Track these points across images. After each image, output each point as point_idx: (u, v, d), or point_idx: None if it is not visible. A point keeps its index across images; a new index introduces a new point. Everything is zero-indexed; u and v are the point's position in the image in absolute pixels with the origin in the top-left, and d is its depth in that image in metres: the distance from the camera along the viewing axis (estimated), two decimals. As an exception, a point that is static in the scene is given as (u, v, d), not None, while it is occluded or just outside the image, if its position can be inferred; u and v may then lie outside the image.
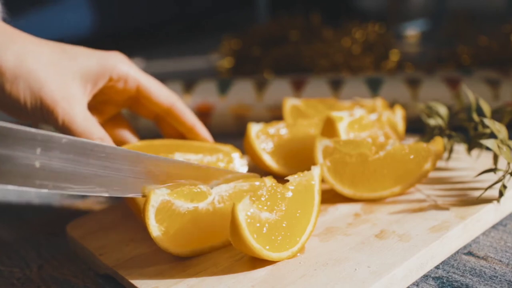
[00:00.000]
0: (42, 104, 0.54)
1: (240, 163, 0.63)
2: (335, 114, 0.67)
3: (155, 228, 0.49)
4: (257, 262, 0.49)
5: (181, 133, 0.67)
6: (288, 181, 0.53)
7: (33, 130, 0.42)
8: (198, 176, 0.55)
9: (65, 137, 0.45)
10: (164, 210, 0.50)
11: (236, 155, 0.64)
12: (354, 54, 1.26)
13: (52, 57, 0.56)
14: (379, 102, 0.76)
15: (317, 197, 0.53)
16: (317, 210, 0.53)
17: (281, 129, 0.69)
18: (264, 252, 0.48)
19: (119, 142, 0.66)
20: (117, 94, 0.63)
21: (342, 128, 0.66)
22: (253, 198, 0.49)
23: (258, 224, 0.48)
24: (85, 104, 0.57)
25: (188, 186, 0.52)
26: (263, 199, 0.49)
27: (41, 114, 0.55)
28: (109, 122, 0.67)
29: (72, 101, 0.55)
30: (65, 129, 0.54)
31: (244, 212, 0.47)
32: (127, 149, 0.50)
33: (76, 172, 0.46)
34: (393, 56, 1.31)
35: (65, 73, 0.56)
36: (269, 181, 0.56)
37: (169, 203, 0.50)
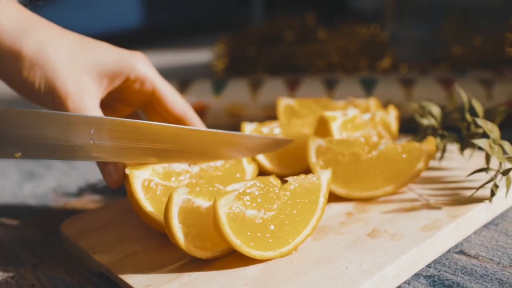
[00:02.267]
0: (54, 94, 0.55)
1: (249, 168, 0.62)
2: (328, 113, 0.67)
3: (178, 229, 0.49)
4: (249, 259, 0.49)
5: None
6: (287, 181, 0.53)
7: (88, 115, 0.52)
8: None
9: (115, 119, 0.52)
10: (185, 209, 0.49)
11: (245, 161, 0.62)
12: (349, 55, 1.27)
13: (71, 49, 0.56)
14: (372, 102, 0.76)
15: (321, 201, 0.53)
16: (319, 214, 0.53)
17: (274, 129, 0.69)
18: (245, 248, 0.48)
19: None
20: (133, 95, 0.63)
21: (336, 127, 0.66)
22: (242, 196, 0.49)
23: (241, 221, 0.48)
24: (97, 99, 0.57)
25: (205, 185, 0.53)
26: (247, 197, 0.49)
27: (53, 103, 0.55)
28: None
29: (84, 96, 0.55)
30: None
31: (226, 207, 0.47)
32: (166, 125, 0.54)
33: (126, 146, 0.53)
34: (388, 56, 1.32)
35: (82, 67, 0.56)
36: (273, 180, 0.56)
37: (190, 202, 0.50)
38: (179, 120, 0.64)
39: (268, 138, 0.63)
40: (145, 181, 0.55)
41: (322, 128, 0.67)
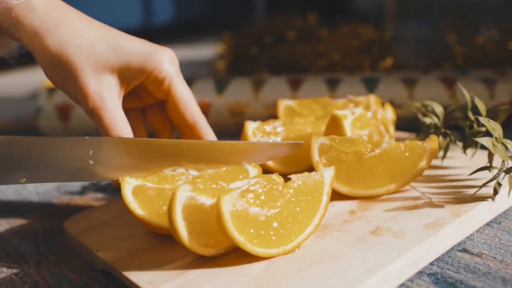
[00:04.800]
0: (77, 92, 0.56)
1: (253, 172, 0.62)
2: (340, 112, 0.67)
3: (182, 226, 0.49)
4: (252, 257, 0.49)
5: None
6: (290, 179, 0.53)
7: (86, 137, 0.54)
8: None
9: (110, 139, 0.55)
10: (189, 206, 0.49)
11: (248, 165, 0.62)
12: (351, 54, 1.27)
13: (94, 46, 0.57)
14: (372, 99, 0.76)
15: (324, 199, 0.53)
16: (322, 212, 0.53)
17: (277, 127, 0.69)
18: (248, 245, 0.48)
19: (156, 129, 0.68)
20: (152, 90, 0.63)
21: (347, 125, 0.66)
22: (245, 194, 0.49)
23: (245, 218, 0.48)
24: (117, 97, 0.58)
25: (208, 183, 0.53)
26: (251, 195, 0.49)
27: (75, 97, 0.57)
28: (149, 109, 0.67)
29: (104, 95, 0.56)
30: (93, 117, 0.56)
31: (230, 204, 0.47)
32: (166, 141, 0.57)
33: (123, 164, 0.56)
34: (390, 55, 1.32)
35: (104, 64, 0.57)
36: (277, 178, 0.56)
37: (194, 199, 0.50)
38: (188, 126, 0.63)
39: (279, 144, 0.63)
40: (137, 186, 0.55)
41: (334, 127, 0.65)
